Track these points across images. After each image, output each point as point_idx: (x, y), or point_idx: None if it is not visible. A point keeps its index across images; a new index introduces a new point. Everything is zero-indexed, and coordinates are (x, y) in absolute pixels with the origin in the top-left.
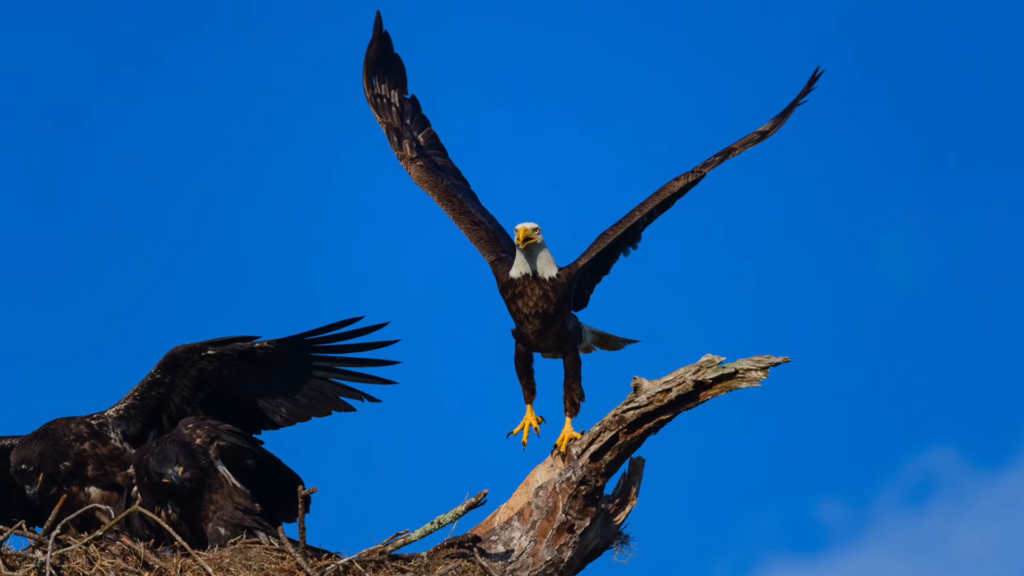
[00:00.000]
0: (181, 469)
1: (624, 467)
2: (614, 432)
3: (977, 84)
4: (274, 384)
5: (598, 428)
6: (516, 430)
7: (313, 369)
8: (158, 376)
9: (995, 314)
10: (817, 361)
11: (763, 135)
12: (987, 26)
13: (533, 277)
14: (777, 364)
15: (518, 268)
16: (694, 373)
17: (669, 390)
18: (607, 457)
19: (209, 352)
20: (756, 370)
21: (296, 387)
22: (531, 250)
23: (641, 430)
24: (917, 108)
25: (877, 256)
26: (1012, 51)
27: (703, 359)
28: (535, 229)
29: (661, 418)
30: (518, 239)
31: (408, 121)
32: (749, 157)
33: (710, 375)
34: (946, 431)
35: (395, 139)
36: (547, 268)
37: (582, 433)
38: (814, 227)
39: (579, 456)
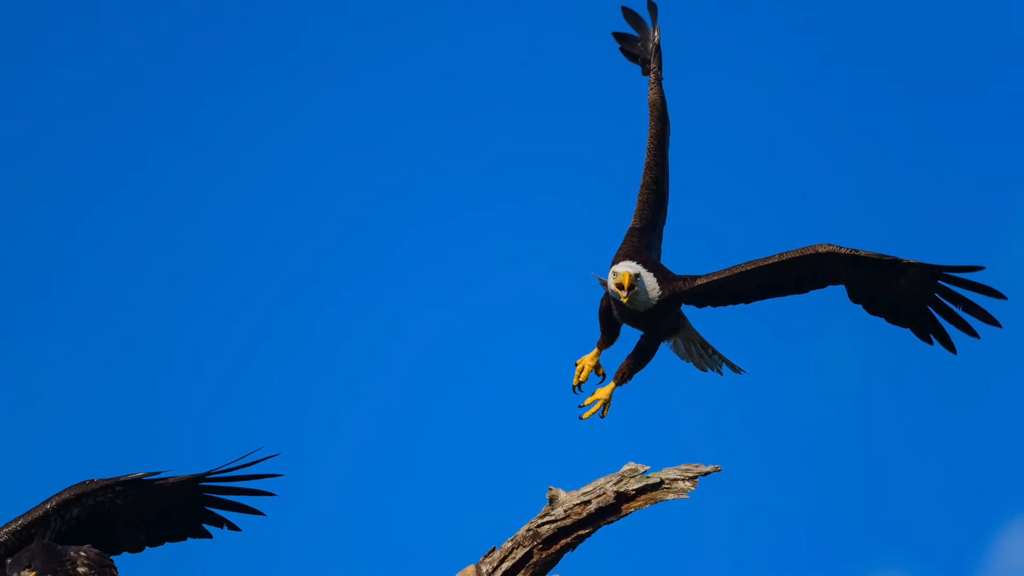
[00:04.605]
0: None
1: None
2: (528, 548)
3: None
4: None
5: (510, 544)
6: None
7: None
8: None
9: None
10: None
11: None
12: None
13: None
14: (707, 473)
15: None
16: (615, 483)
17: (588, 502)
18: None
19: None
20: (683, 480)
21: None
22: (635, 299)
23: (557, 546)
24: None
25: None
26: None
27: (625, 468)
28: (637, 276)
29: (580, 533)
30: (620, 295)
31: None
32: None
33: (633, 485)
34: (898, 549)
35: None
36: (650, 295)
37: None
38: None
39: (490, 575)
